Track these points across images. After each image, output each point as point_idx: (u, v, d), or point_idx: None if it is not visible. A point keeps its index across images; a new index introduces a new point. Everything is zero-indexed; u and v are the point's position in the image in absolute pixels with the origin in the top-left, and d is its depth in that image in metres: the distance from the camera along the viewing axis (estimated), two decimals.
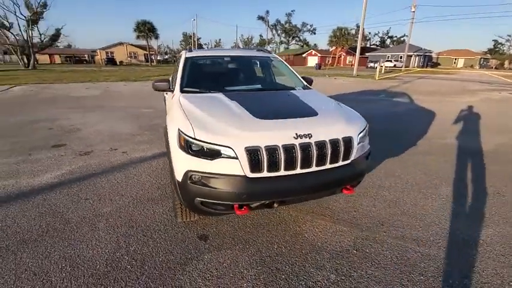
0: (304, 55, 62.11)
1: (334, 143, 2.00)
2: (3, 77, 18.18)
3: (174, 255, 2.13)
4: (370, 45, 74.29)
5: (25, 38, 28.29)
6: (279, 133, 1.90)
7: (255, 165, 1.81)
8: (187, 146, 1.90)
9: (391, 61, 41.74)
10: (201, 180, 1.85)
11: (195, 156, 1.86)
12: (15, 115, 7.14)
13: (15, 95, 10.92)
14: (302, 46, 72.53)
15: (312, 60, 56.66)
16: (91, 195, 3.06)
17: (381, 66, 26.92)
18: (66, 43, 57.21)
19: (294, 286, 1.85)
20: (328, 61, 53.02)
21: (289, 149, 1.86)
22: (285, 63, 3.54)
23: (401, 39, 67.49)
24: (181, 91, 2.75)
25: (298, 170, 1.91)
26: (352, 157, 2.11)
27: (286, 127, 1.96)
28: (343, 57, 57.11)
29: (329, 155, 1.97)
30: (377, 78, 20.84)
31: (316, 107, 2.34)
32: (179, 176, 1.95)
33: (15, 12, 27.21)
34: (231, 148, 1.80)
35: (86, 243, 2.27)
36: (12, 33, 28.46)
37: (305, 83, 3.31)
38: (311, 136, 1.92)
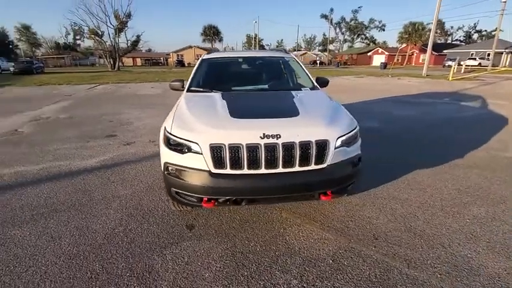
0: (369, 53, 58.00)
1: (305, 145, 1.93)
2: (94, 77, 21.80)
3: (159, 238, 2.35)
4: (452, 40, 65.05)
5: (112, 44, 33.54)
6: (245, 132, 1.94)
7: (218, 161, 1.90)
8: (167, 141, 2.09)
9: (475, 59, 35.79)
10: (175, 172, 2.02)
11: (171, 150, 2.04)
12: (91, 109, 8.58)
13: (97, 92, 13.04)
14: (368, 44, 67.80)
15: (378, 59, 52.41)
16: (117, 179, 3.55)
17: (460, 65, 23.39)
18: (147, 47, 65.62)
19: (252, 284, 1.87)
20: (398, 59, 48.35)
21: (252, 148, 1.88)
22: (300, 63, 3.46)
23: (493, 33, 57.07)
24: (188, 90, 2.99)
25: (263, 170, 1.91)
26: (328, 161, 2.00)
27: (255, 127, 1.99)
28: (415, 55, 51.40)
29: (298, 157, 1.92)
30: (451, 78, 18.20)
31: (302, 108, 2.29)
32: (162, 167, 2.16)
33: (106, 22, 32.50)
34: (197, 144, 1.92)
35: (97, 218, 2.67)
36: (103, 40, 34.10)
37: (315, 84, 3.19)
38: (279, 137, 1.90)
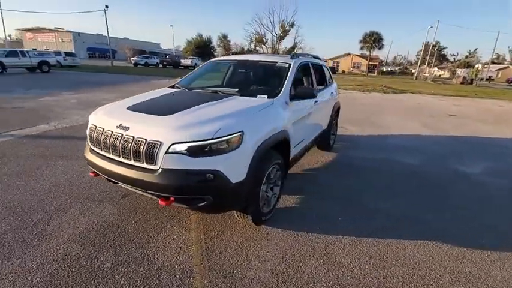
0: None
1: (139, 141, 1.96)
2: None
3: (108, 194, 3.00)
4: None
5: (273, 50, 38.54)
6: (110, 120, 2.19)
7: (90, 139, 2.28)
8: None
9: None
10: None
11: None
12: None
13: None
14: None
15: None
16: None
17: None
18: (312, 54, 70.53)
19: (95, 248, 2.15)
20: None
21: (107, 134, 2.13)
22: (290, 71, 3.03)
23: None
24: (170, 86, 3.43)
25: (111, 155, 2.12)
26: (160, 164, 1.91)
27: (120, 117, 2.19)
28: None
29: (131, 151, 1.99)
30: None
31: (188, 111, 2.26)
32: None
33: (272, 31, 37.72)
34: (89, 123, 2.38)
35: None
36: (266, 47, 39.79)
37: (277, 93, 2.76)
38: (127, 129, 2.03)
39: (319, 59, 4.77)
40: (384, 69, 70.14)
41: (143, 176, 1.96)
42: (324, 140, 4.59)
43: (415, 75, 42.14)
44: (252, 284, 1.90)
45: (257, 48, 50.52)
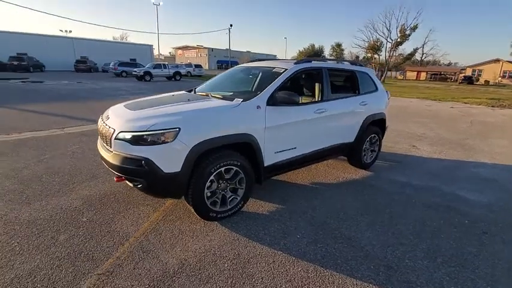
0: None
1: (107, 128, 2.49)
2: None
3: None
4: None
5: (386, 57, 34.56)
6: (107, 113, 2.83)
7: (98, 128, 2.99)
8: None
9: None
10: None
11: None
12: None
13: None
14: None
15: None
16: None
17: None
18: (447, 61, 59.84)
19: (81, 208, 2.89)
20: None
21: (100, 123, 2.77)
22: (281, 76, 2.95)
23: None
24: (188, 90, 3.91)
25: (100, 139, 2.75)
26: (113, 147, 2.35)
27: (112, 111, 2.79)
28: None
29: (103, 135, 2.54)
30: None
31: (155, 108, 2.65)
32: None
33: (387, 37, 33.89)
34: None
35: None
36: (378, 54, 36.03)
37: (252, 96, 2.81)
38: (108, 119, 2.61)
39: (361, 65, 4.30)
40: None
41: (106, 156, 2.51)
42: (353, 154, 4.08)
43: None
44: (155, 264, 2.10)
45: (375, 56, 46.65)
